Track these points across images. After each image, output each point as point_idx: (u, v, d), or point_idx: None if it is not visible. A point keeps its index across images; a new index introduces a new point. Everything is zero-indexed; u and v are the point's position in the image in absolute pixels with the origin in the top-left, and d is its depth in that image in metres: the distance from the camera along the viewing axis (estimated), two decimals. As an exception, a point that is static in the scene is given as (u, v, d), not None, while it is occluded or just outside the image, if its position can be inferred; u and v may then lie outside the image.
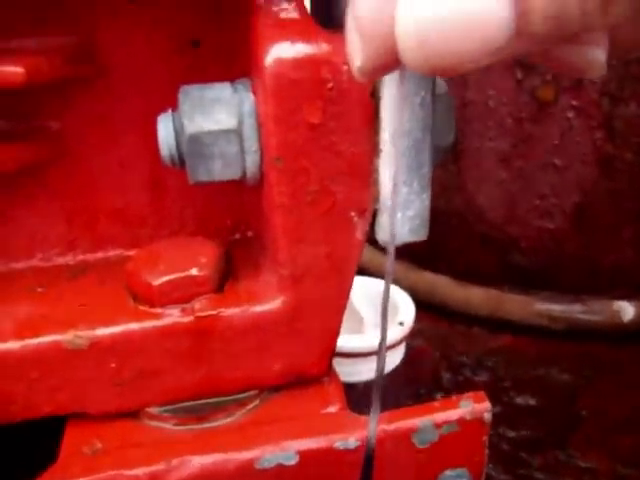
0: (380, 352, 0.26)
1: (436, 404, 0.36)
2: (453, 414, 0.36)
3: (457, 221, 0.76)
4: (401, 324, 0.66)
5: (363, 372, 0.64)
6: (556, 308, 0.73)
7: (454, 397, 0.37)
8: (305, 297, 0.35)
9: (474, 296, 0.76)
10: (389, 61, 0.19)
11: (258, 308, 0.36)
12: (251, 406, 0.39)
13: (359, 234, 0.34)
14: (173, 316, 0.35)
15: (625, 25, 0.20)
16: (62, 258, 0.41)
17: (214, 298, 0.36)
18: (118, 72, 0.35)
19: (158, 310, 0.35)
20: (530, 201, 0.73)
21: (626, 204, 0.71)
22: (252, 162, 0.32)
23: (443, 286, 0.77)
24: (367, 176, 0.32)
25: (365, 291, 0.68)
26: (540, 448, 0.68)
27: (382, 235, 0.34)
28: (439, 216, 0.78)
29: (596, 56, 0.22)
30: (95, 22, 0.33)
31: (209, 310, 0.35)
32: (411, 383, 0.73)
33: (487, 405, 0.37)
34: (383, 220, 0.33)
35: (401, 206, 0.33)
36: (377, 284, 0.69)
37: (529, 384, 0.72)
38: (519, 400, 0.71)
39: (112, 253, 0.41)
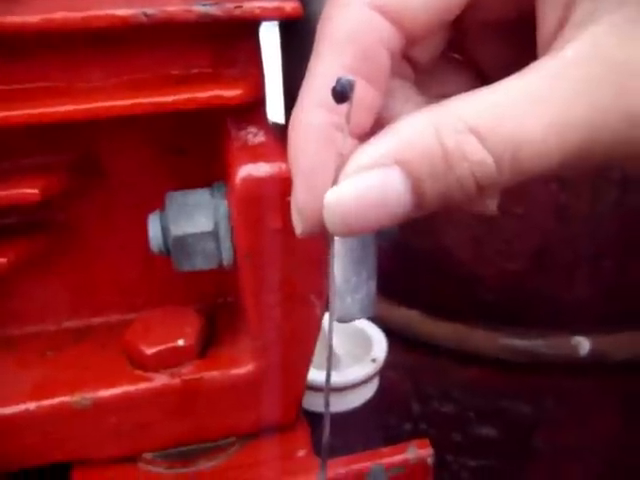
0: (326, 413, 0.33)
1: (386, 450, 0.43)
2: (400, 459, 0.43)
3: (428, 261, 0.83)
4: (374, 361, 0.72)
5: (338, 404, 0.71)
6: (519, 342, 0.80)
7: (402, 444, 0.44)
8: (274, 362, 0.42)
9: (443, 330, 0.82)
10: (321, 229, 0.26)
11: (235, 371, 0.42)
12: (231, 451, 0.45)
13: (318, 312, 0.41)
14: (163, 379, 0.42)
15: None
16: (68, 322, 0.47)
17: (198, 363, 0.42)
18: (115, 176, 0.42)
19: (151, 374, 0.42)
20: (494, 244, 0.79)
21: (581, 248, 0.78)
22: (227, 256, 0.39)
23: (415, 320, 0.84)
24: (323, 267, 0.39)
25: (342, 330, 0.75)
26: (498, 478, 0.74)
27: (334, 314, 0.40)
28: (412, 256, 0.85)
29: (487, 205, 0.29)
30: (95, 138, 0.40)
31: (193, 374, 0.42)
32: (383, 414, 0.79)
33: (430, 451, 0.43)
34: (336, 303, 0.40)
35: (351, 291, 0.39)
36: (354, 324, 0.76)
37: (491, 415, 0.78)
38: (481, 431, 0.77)
39: (111, 317, 0.48)
